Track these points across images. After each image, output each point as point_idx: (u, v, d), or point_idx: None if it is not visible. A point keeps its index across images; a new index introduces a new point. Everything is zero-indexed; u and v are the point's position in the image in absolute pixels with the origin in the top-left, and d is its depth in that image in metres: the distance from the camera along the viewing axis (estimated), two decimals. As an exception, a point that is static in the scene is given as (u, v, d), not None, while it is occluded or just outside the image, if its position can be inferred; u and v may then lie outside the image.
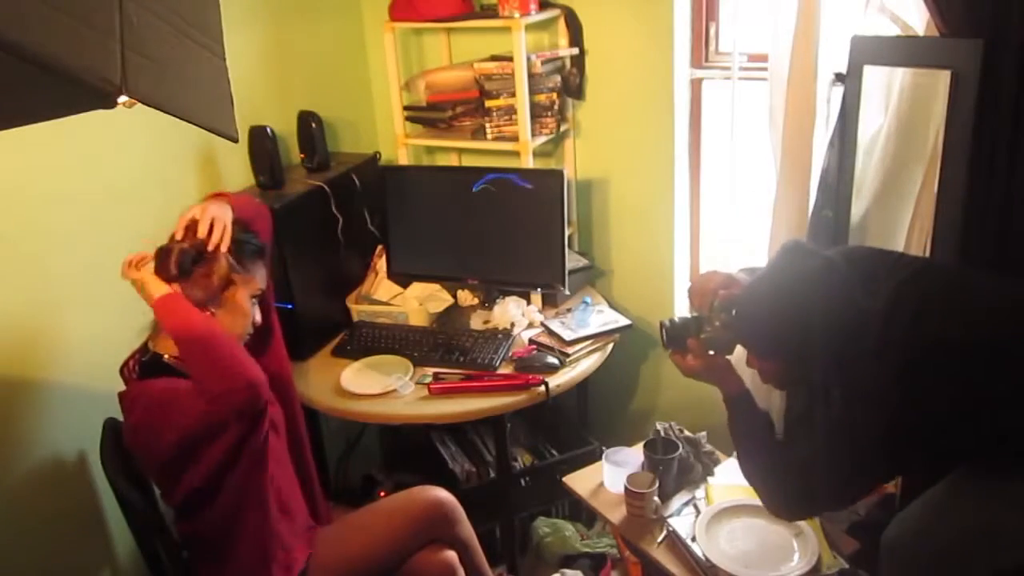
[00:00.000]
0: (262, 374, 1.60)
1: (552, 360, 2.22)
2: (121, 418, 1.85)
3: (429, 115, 2.56)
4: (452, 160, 2.81)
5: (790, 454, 1.61)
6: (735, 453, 1.70)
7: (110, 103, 0.73)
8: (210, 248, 1.67)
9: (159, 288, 1.64)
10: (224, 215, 1.71)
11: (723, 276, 1.75)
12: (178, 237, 1.69)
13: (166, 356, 1.70)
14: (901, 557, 1.48)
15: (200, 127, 0.84)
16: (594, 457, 2.12)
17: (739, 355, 1.72)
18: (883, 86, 1.97)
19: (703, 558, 1.67)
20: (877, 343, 1.40)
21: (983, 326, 1.40)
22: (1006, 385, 1.35)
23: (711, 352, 1.68)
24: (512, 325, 2.40)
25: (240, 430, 1.61)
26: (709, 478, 1.92)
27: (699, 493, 1.88)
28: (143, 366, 1.71)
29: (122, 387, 1.72)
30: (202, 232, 1.68)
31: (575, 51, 2.47)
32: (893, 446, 1.40)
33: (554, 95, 2.44)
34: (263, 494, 1.73)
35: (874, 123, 2.00)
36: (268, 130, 2.33)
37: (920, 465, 1.51)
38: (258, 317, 1.79)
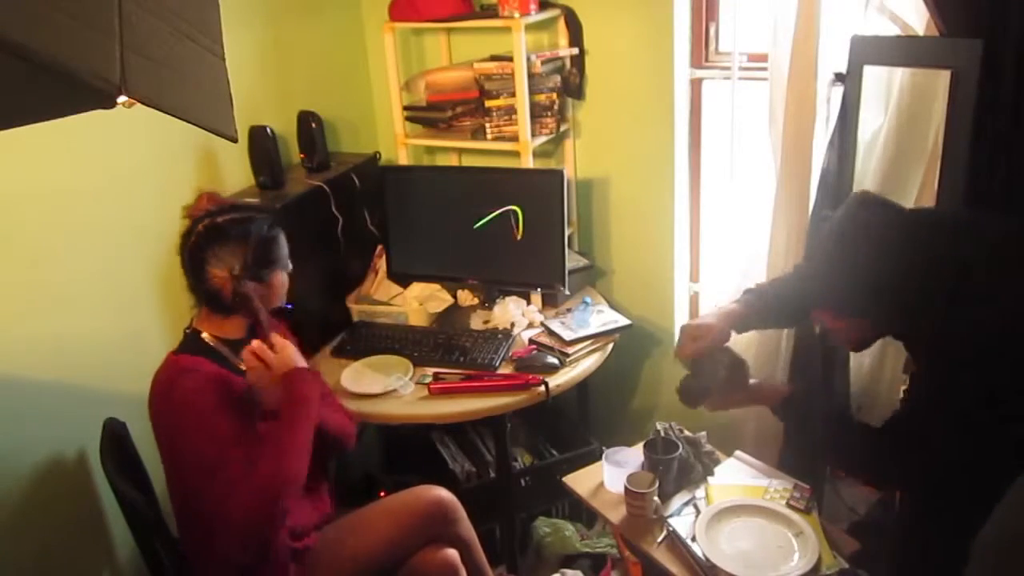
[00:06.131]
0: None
1: (552, 360, 2.21)
2: (122, 417, 1.86)
3: (429, 115, 2.56)
4: (452, 160, 2.81)
5: (877, 429, 1.61)
6: (816, 452, 1.71)
7: (110, 103, 0.73)
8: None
9: (299, 359, 1.72)
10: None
11: (688, 331, 1.77)
12: None
13: (206, 335, 1.72)
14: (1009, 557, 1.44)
15: (199, 127, 0.84)
16: (594, 457, 2.12)
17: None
18: (883, 86, 1.97)
19: (703, 558, 1.67)
20: (974, 297, 1.37)
21: None
22: None
23: (724, 394, 1.73)
24: (512, 325, 2.40)
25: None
26: (709, 478, 1.92)
27: (699, 493, 1.88)
28: (184, 339, 1.75)
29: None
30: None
31: (575, 51, 2.47)
32: (993, 406, 1.37)
33: (554, 95, 2.44)
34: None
35: (874, 123, 2.00)
36: (268, 130, 2.33)
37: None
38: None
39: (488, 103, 2.41)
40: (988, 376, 1.37)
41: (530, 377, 2.13)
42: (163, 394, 1.67)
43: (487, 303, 2.52)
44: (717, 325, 1.76)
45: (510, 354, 2.27)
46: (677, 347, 1.79)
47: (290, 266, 1.82)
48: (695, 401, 1.78)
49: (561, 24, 2.46)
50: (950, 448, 1.46)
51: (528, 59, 2.32)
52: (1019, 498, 1.43)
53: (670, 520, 1.79)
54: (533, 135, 2.41)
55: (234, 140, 0.90)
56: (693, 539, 1.72)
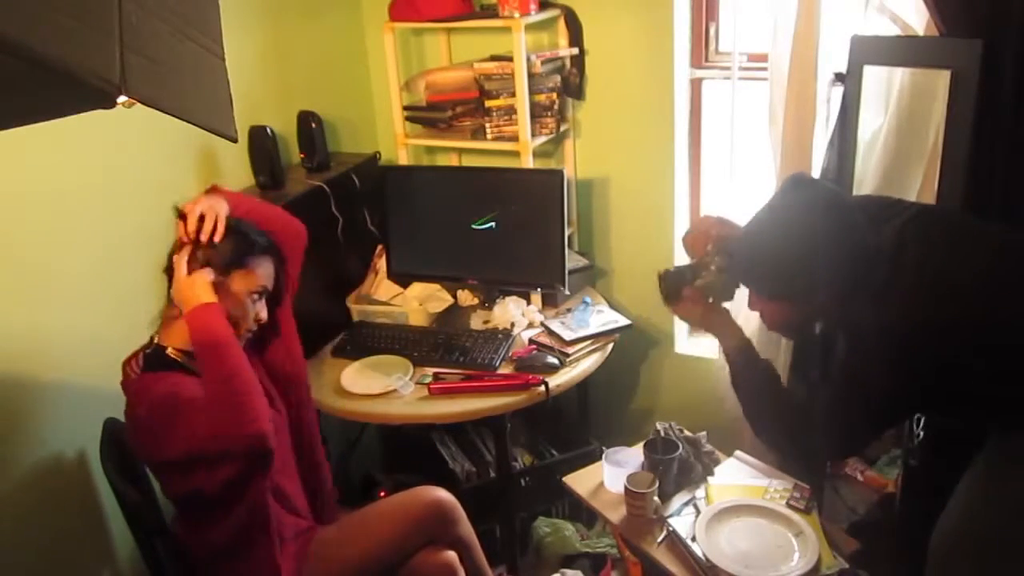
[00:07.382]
0: (270, 425, 1.59)
1: (552, 360, 2.21)
2: (122, 417, 1.86)
3: (429, 115, 2.56)
4: (452, 160, 2.81)
5: (799, 400, 1.60)
6: (742, 410, 1.68)
7: (110, 103, 0.73)
8: (203, 239, 1.67)
9: (206, 294, 1.64)
10: (218, 207, 1.71)
11: (716, 218, 1.72)
12: (190, 231, 1.68)
13: (170, 350, 1.70)
14: (960, 551, 1.45)
15: (199, 127, 0.84)
16: (594, 457, 2.12)
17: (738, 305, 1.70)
18: (883, 86, 1.97)
19: (703, 558, 1.67)
20: (883, 283, 1.38)
21: (986, 264, 1.39)
22: (1012, 326, 1.34)
23: (710, 299, 1.66)
24: (512, 325, 2.40)
25: (238, 469, 1.61)
26: (709, 478, 1.92)
27: (699, 493, 1.88)
28: (147, 358, 1.71)
29: (120, 387, 1.72)
30: (191, 226, 1.67)
31: (575, 51, 2.47)
32: (903, 389, 1.39)
33: (554, 95, 2.44)
34: (267, 530, 1.72)
35: (874, 123, 2.00)
36: (268, 130, 2.33)
37: (936, 411, 1.48)
38: (263, 315, 1.79)
39: (488, 103, 2.41)
40: (899, 366, 1.37)
41: (530, 377, 2.13)
42: (134, 403, 1.66)
43: (487, 303, 2.52)
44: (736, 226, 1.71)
45: (510, 354, 2.27)
46: (690, 233, 1.72)
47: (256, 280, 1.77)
48: (675, 287, 1.69)
49: (561, 24, 2.46)
50: (849, 436, 1.50)
51: (528, 59, 2.32)
52: (962, 499, 1.45)
53: (670, 520, 1.80)
54: (533, 135, 2.41)
55: (234, 140, 0.90)
56: (693, 539, 1.72)
